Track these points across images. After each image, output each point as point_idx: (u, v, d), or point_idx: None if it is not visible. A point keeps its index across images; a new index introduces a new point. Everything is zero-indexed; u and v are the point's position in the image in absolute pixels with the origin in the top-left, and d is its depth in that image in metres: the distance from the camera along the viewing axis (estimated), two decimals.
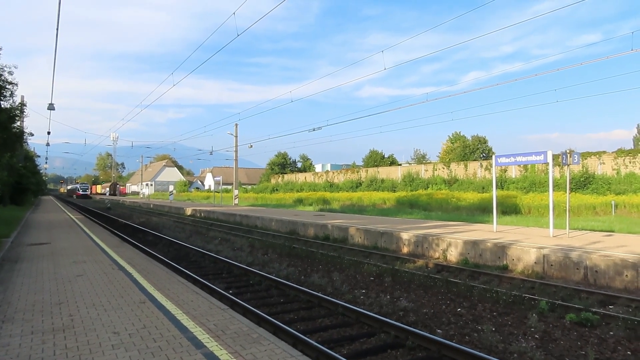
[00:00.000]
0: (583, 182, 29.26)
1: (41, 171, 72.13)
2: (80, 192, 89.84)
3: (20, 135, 23.40)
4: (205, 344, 4.52)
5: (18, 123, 22.79)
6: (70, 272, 8.45)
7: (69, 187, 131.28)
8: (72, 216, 27.64)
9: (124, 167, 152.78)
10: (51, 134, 35.15)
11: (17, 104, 21.55)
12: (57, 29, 12.24)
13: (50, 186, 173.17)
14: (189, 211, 34.85)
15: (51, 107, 26.14)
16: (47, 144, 40.96)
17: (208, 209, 33.04)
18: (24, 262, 9.76)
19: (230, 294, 8.24)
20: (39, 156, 58.99)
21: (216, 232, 20.78)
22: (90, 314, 5.61)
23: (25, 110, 24.25)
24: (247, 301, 7.71)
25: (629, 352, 5.68)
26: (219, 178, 44.64)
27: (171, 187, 68.51)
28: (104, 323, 5.23)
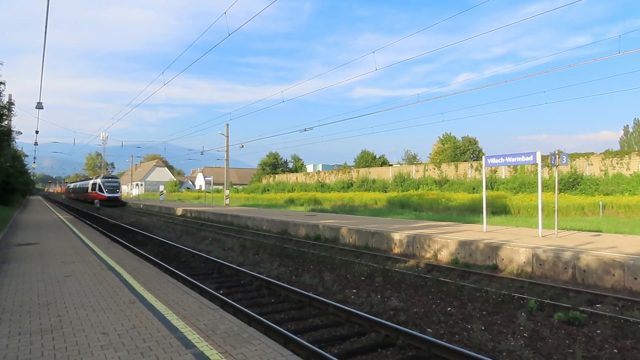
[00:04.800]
0: (572, 183, 29.59)
1: (29, 171, 71.27)
2: (106, 195, 49.49)
3: (7, 134, 23.13)
4: (195, 344, 4.50)
5: (6, 122, 22.53)
6: (58, 273, 8.36)
7: (73, 185, 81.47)
8: (60, 216, 27.34)
9: (114, 167, 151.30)
10: (40, 133, 34.75)
11: (4, 102, 21.32)
12: (46, 28, 12.12)
13: (39, 186, 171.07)
14: (179, 211, 34.64)
15: (39, 106, 25.83)
16: (36, 144, 40.50)
17: (199, 209, 32.86)
18: (12, 262, 9.64)
19: (220, 294, 8.21)
20: (27, 156, 58.34)
21: (207, 232, 20.68)
22: (79, 315, 5.55)
23: (13, 109, 24.02)
24: (237, 301, 7.69)
25: (615, 350, 5.76)
26: (210, 178, 44.48)
27: (162, 187, 68.11)
28: (93, 323, 5.19)
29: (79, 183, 72.92)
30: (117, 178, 58.04)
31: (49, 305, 6.05)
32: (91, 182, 56.50)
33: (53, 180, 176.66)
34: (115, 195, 50.61)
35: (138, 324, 5.16)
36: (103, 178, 53.33)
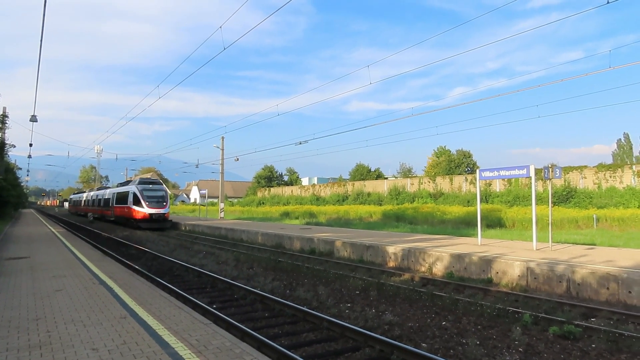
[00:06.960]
0: (565, 196, 29.75)
1: (22, 184, 70.72)
2: (148, 211, 30.69)
3: (1, 146, 23.03)
4: None
5: None
6: (49, 287, 8.25)
7: (78, 196, 64.81)
8: (53, 229, 27.08)
9: (108, 180, 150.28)
10: (33, 146, 34.66)
11: None
12: (41, 41, 12.15)
13: (32, 199, 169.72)
14: None
15: (33, 118, 25.81)
16: (29, 156, 40.31)
17: (193, 222, 32.67)
18: (1, 276, 9.50)
19: (214, 308, 8.11)
20: (20, 168, 58.02)
21: (201, 245, 20.53)
22: (68, 330, 5.46)
23: (6, 121, 23.98)
24: (230, 316, 7.61)
25: None
26: (205, 191, 44.27)
27: None
28: (82, 339, 5.10)
29: (93, 193, 51.41)
30: (162, 184, 36.04)
31: (38, 320, 5.95)
32: (117, 190, 37.81)
33: (46, 193, 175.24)
34: (163, 211, 31.62)
35: (129, 340, 5.07)
36: (140, 184, 33.21)
